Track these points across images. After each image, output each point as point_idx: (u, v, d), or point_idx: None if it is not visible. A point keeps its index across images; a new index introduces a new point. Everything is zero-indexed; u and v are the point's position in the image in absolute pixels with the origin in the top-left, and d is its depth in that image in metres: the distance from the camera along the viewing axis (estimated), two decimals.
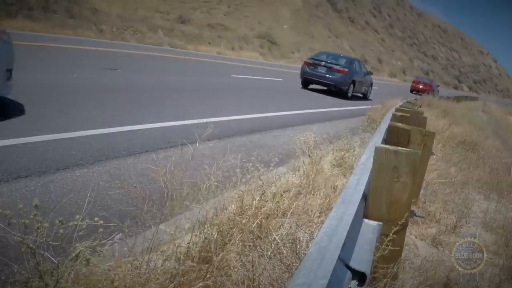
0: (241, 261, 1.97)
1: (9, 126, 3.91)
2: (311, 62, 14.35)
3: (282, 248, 2.03)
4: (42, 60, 8.74)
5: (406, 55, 73.37)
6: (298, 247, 2.03)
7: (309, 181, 3.26)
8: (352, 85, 14.36)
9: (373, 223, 1.69)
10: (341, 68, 13.88)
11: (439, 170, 5.01)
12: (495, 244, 3.42)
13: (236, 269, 1.95)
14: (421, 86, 29.77)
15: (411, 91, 29.13)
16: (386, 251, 1.57)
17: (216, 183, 2.31)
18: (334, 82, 13.75)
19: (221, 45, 30.02)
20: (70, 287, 1.58)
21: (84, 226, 1.67)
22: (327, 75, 13.80)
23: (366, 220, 1.70)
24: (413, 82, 31.61)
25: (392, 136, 3.00)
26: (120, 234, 2.00)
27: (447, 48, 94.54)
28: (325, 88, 14.17)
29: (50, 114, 4.60)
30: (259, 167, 2.62)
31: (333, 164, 4.33)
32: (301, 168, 3.59)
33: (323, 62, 14.06)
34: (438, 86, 27.29)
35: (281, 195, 2.76)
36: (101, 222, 1.69)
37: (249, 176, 2.55)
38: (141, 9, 34.14)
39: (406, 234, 2.25)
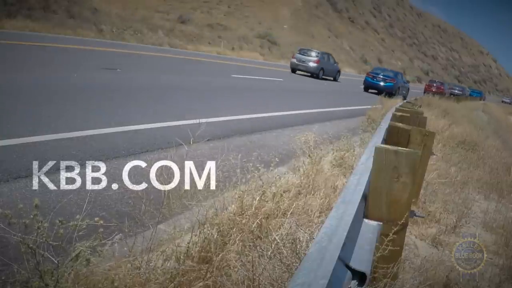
0: (241, 261, 1.97)
1: (10, 126, 3.90)
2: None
3: (282, 248, 2.03)
4: (42, 60, 8.73)
5: (406, 55, 73.36)
6: (298, 247, 2.03)
7: (309, 181, 3.26)
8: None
9: (373, 223, 1.69)
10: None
11: (439, 170, 5.01)
12: (495, 244, 3.42)
13: (236, 269, 1.95)
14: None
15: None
16: (386, 251, 1.57)
17: (216, 183, 2.31)
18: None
19: (221, 45, 30.02)
20: (70, 287, 1.58)
21: (84, 226, 1.67)
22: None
23: (366, 220, 1.70)
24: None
25: (392, 136, 3.00)
26: (120, 234, 2.00)
27: (447, 48, 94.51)
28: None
29: (50, 114, 4.60)
30: (259, 167, 2.62)
31: (333, 164, 4.33)
32: (301, 168, 3.58)
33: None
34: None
35: (281, 195, 2.76)
36: (101, 222, 1.69)
37: (249, 176, 2.55)
38: (141, 9, 34.14)
39: (406, 234, 2.25)
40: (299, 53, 21.87)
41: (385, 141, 2.91)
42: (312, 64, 21.05)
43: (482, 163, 6.63)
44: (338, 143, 4.84)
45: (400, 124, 3.13)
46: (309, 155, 3.56)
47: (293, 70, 21.75)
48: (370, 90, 20.60)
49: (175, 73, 10.06)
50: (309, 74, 21.40)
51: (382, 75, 21.09)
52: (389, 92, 18.45)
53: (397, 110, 4.56)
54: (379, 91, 18.52)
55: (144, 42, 20.62)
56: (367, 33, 66.62)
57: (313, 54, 21.57)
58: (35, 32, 14.55)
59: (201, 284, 1.81)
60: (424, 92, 27.09)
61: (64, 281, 1.57)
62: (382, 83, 20.46)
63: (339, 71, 24.27)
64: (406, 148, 1.92)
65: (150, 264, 1.82)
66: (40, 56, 9.35)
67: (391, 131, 3.05)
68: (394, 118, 3.70)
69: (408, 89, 23.61)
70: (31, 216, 1.55)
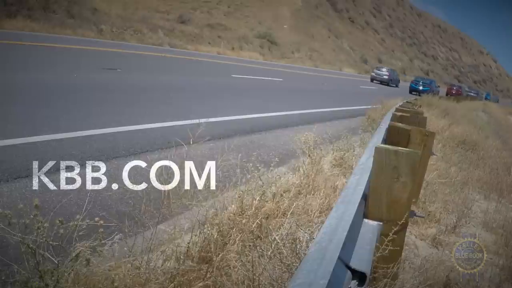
0: (241, 261, 1.97)
1: (10, 126, 3.90)
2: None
3: (282, 248, 2.03)
4: (42, 60, 8.74)
5: (406, 55, 73.39)
6: (298, 247, 2.03)
7: (309, 181, 3.26)
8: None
9: (373, 223, 1.69)
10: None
11: (439, 170, 5.00)
12: (495, 244, 3.42)
13: (236, 269, 1.95)
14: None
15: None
16: (386, 251, 1.57)
17: (216, 183, 2.31)
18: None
19: (221, 45, 30.04)
20: (70, 287, 1.58)
21: (84, 226, 1.67)
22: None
23: (366, 220, 1.70)
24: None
25: (392, 136, 2.99)
26: (120, 234, 2.00)
27: (447, 48, 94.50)
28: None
29: (49, 114, 4.60)
30: (259, 167, 2.61)
31: (333, 164, 4.33)
32: (301, 168, 3.58)
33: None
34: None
35: (281, 195, 2.76)
36: (101, 222, 1.69)
37: (249, 176, 2.55)
38: (141, 9, 34.13)
39: (406, 234, 2.25)
40: (376, 69, 33.17)
41: (385, 141, 2.91)
42: (385, 77, 31.37)
43: (482, 163, 6.63)
44: (338, 143, 4.84)
45: (400, 124, 3.13)
46: (309, 155, 3.56)
47: (372, 80, 31.36)
48: (413, 92, 28.43)
49: (175, 73, 10.06)
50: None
51: (422, 82, 31.38)
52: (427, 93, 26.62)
53: (397, 110, 4.56)
54: (419, 93, 26.57)
55: (144, 42, 20.64)
56: (367, 33, 66.63)
57: (385, 70, 32.94)
58: (35, 32, 14.56)
59: (201, 284, 1.82)
60: (447, 94, 33.47)
61: (64, 281, 1.57)
62: (421, 87, 29.85)
63: (399, 80, 34.85)
64: (406, 148, 1.92)
65: (150, 264, 1.82)
66: (40, 56, 9.36)
67: (391, 131, 3.05)
68: (394, 118, 3.70)
69: (439, 91, 32.16)
70: (31, 216, 1.55)
